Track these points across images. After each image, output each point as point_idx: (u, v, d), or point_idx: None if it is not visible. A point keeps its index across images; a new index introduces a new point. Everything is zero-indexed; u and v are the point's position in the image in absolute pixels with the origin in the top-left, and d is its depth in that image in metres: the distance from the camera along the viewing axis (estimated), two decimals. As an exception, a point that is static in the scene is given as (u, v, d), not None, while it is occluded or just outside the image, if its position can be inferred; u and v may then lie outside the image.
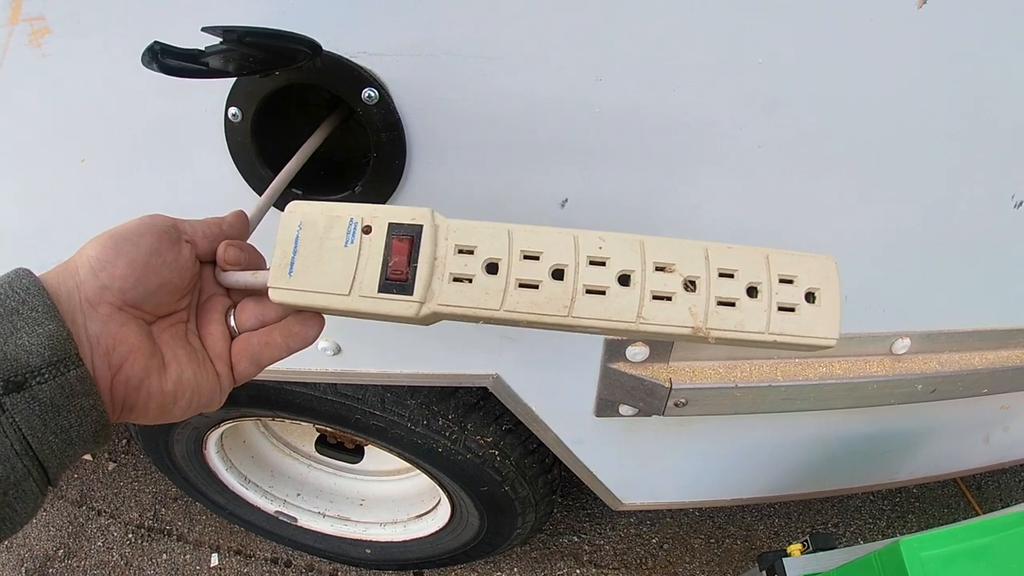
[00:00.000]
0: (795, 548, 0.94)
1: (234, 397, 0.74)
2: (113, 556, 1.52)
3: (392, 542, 1.32)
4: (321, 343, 0.76)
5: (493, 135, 0.55)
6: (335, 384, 0.90)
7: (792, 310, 0.36)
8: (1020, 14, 0.52)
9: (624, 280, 0.36)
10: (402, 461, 1.06)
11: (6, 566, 1.50)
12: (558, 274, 0.36)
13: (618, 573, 1.48)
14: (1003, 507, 1.58)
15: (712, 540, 1.53)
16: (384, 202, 0.60)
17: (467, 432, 0.95)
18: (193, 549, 1.52)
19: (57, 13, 0.52)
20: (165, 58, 0.40)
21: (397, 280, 0.36)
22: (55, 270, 0.35)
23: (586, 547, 1.52)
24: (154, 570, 1.50)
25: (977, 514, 1.57)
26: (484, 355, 0.77)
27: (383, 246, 0.37)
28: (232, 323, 0.40)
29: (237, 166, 0.59)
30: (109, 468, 1.66)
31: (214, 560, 1.50)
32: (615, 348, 0.74)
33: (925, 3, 0.50)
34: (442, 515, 1.22)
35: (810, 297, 0.37)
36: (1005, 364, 0.84)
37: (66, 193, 0.64)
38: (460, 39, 0.50)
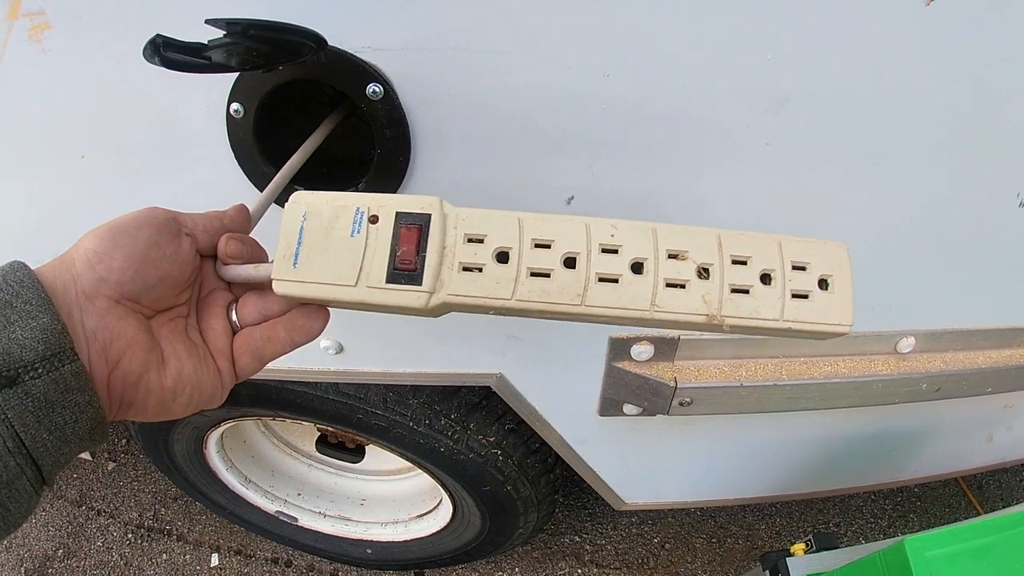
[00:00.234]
0: (798, 548, 0.94)
1: (235, 396, 0.74)
2: (113, 556, 1.51)
3: (393, 542, 1.32)
4: (323, 342, 0.76)
5: (499, 131, 0.55)
6: (337, 383, 0.90)
7: (806, 297, 0.36)
8: (1028, 10, 0.52)
9: (637, 268, 0.35)
10: (403, 461, 1.06)
11: (5, 566, 1.49)
12: (570, 262, 0.36)
13: (620, 573, 1.47)
14: (1004, 506, 1.58)
15: (714, 540, 1.52)
16: (388, 198, 0.59)
17: (469, 432, 0.95)
18: (193, 549, 1.52)
19: (57, 8, 0.51)
20: (167, 52, 0.40)
21: (405, 270, 0.35)
22: (51, 263, 0.34)
23: (587, 547, 1.51)
24: (154, 570, 1.49)
25: (978, 513, 1.57)
26: (487, 354, 0.76)
27: (391, 236, 0.36)
28: (234, 317, 0.39)
29: (239, 163, 0.58)
30: (109, 467, 1.65)
31: (214, 560, 1.50)
32: (620, 347, 0.73)
33: (932, 1, 0.50)
34: (443, 515, 1.22)
35: (823, 284, 0.36)
36: (1009, 363, 0.84)
37: (65, 189, 0.64)
38: (466, 34, 0.50)
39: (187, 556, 1.51)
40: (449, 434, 0.94)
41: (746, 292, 0.35)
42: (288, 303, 0.39)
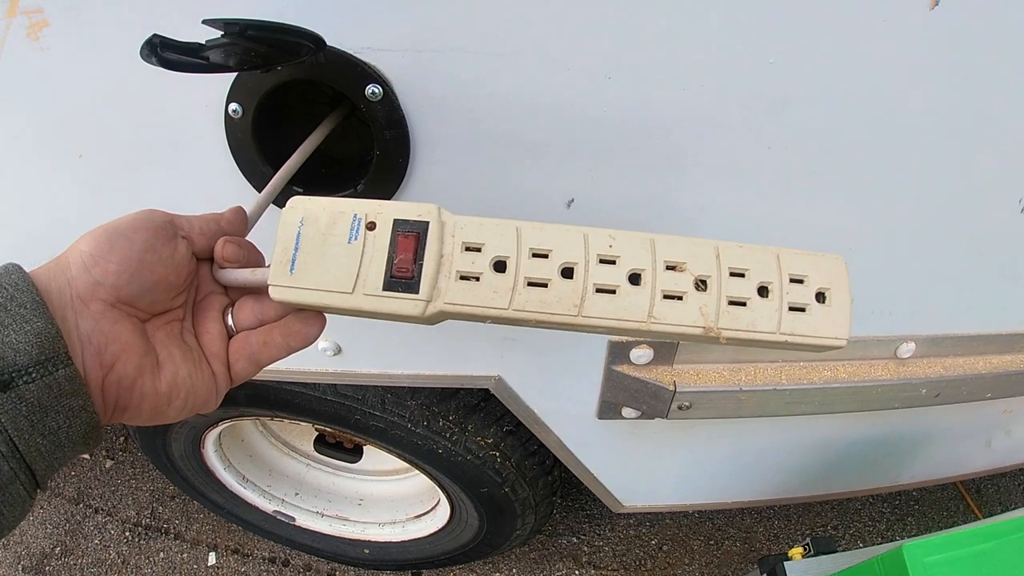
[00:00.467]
0: (796, 551, 0.94)
1: (232, 397, 0.73)
2: (110, 554, 1.51)
3: (390, 542, 1.31)
4: (321, 343, 0.75)
5: (499, 133, 0.55)
6: (335, 384, 0.89)
7: (803, 310, 0.36)
8: (1033, 15, 0.52)
9: (635, 279, 0.35)
10: (401, 461, 1.06)
11: (3, 564, 1.49)
12: (568, 272, 0.35)
13: (617, 574, 1.47)
14: (1003, 511, 1.58)
15: (711, 542, 1.52)
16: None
17: (467, 433, 0.95)
18: (190, 548, 1.52)
19: (56, 6, 0.51)
20: (165, 52, 0.39)
21: (402, 278, 0.35)
22: (46, 266, 0.34)
23: (585, 548, 1.51)
24: (151, 568, 1.49)
25: (977, 517, 1.57)
26: (486, 356, 0.76)
27: (388, 243, 0.36)
28: (230, 322, 0.39)
29: (237, 163, 0.58)
30: (106, 466, 1.65)
31: (211, 559, 1.50)
32: (619, 350, 0.73)
33: (938, 4, 0.49)
34: (441, 516, 1.22)
35: (820, 297, 0.36)
36: (1009, 368, 0.84)
37: (62, 189, 0.64)
38: (466, 35, 0.49)
39: (184, 555, 1.51)
40: (447, 436, 0.93)
41: (743, 304, 0.35)
42: (284, 308, 0.39)
